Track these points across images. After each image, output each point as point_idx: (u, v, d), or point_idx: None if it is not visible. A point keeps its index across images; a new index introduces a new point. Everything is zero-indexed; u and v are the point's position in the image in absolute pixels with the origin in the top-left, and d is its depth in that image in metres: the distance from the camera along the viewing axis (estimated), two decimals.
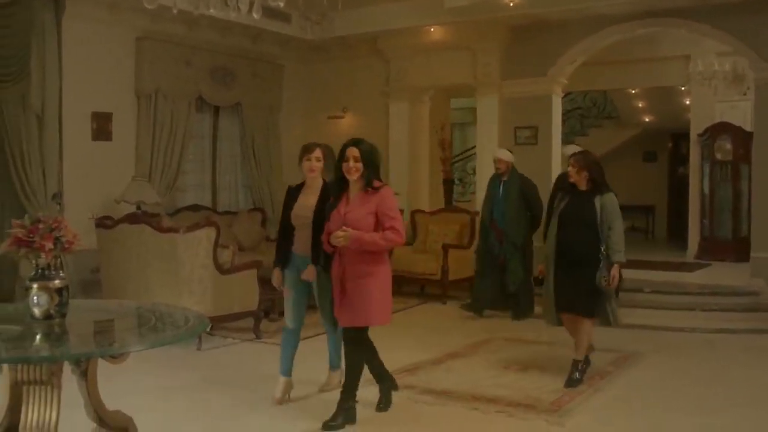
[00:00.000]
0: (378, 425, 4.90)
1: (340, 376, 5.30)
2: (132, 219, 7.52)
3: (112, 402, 3.69)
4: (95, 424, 3.57)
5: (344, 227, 4.60)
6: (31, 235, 3.32)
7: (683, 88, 13.06)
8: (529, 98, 10.36)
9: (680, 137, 15.84)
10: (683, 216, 13.00)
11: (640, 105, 15.58)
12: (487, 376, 6.07)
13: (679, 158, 16.43)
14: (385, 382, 5.18)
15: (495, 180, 8.76)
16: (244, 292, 7.32)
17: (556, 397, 5.49)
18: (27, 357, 3.20)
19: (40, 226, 3.34)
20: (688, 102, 13.12)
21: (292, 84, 11.58)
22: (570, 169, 5.79)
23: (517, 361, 6.48)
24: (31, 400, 3.19)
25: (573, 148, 8.08)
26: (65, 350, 3.26)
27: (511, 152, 8.84)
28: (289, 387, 5.33)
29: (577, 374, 5.80)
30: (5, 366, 3.28)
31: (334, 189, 4.88)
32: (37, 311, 3.35)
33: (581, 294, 5.68)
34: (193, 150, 10.33)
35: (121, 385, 5.19)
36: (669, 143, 17.28)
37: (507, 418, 5.04)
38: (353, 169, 4.68)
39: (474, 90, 10.90)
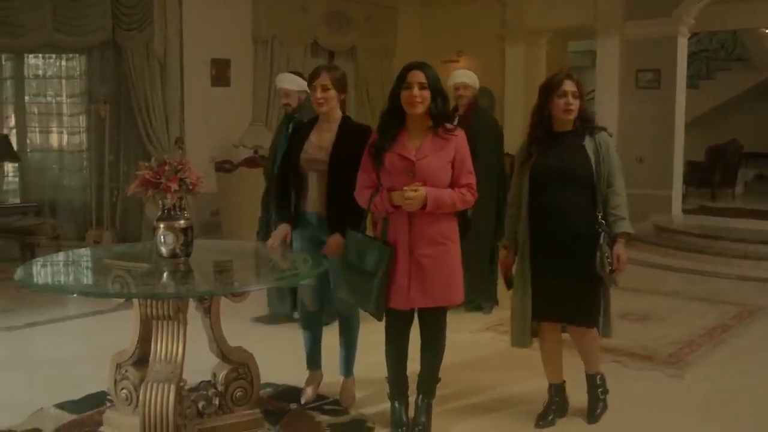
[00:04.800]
0: (485, 372, 4.88)
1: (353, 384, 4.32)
2: (250, 163, 7.71)
3: (233, 338, 3.81)
4: (218, 359, 3.71)
5: (416, 183, 3.51)
6: (157, 177, 3.42)
7: None
8: (653, 40, 9.92)
9: None
10: None
11: None
12: None
13: None
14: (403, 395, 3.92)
15: (284, 122, 5.76)
16: None
17: (674, 349, 5.32)
18: (156, 293, 3.33)
19: (166, 167, 3.44)
20: None
21: (406, 28, 11.48)
22: (572, 100, 3.72)
23: (635, 311, 6.31)
24: (159, 334, 3.34)
25: (465, 75, 6.19)
26: (191, 287, 3.38)
27: (301, 76, 5.89)
28: (318, 379, 4.37)
29: (599, 394, 4.06)
30: (136, 301, 3.44)
31: (386, 125, 3.68)
32: (163, 250, 3.46)
33: (582, 292, 3.78)
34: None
35: (242, 323, 5.39)
36: None
37: (622, 368, 4.92)
38: (418, 100, 3.53)
39: (594, 32, 10.52)
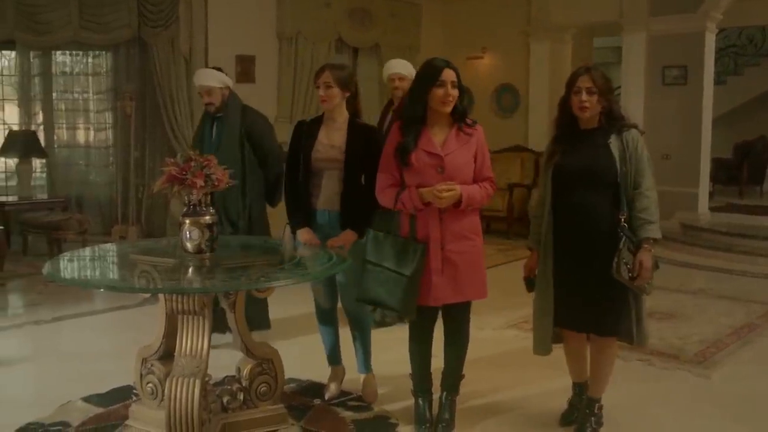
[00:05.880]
0: (508, 369, 4.86)
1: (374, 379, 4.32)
2: None
3: (257, 334, 3.84)
4: (243, 354, 3.72)
5: (448, 182, 3.52)
6: (183, 173, 3.44)
7: None
8: (679, 36, 9.81)
9: None
10: None
11: None
12: None
13: None
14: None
15: (206, 120, 5.29)
16: None
17: (701, 348, 5.28)
18: (182, 288, 3.36)
19: (192, 163, 3.47)
20: None
21: (430, 24, 11.46)
22: (586, 97, 3.52)
23: (661, 309, 6.26)
24: (185, 329, 3.36)
25: (401, 65, 5.65)
26: (216, 283, 3.40)
27: (221, 70, 5.25)
28: (341, 375, 4.38)
29: (592, 423, 3.79)
30: (162, 296, 3.47)
31: (410, 124, 3.61)
32: (189, 245, 3.49)
33: (606, 299, 3.56)
34: None
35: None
36: None
37: (648, 366, 4.90)
38: (450, 99, 3.54)
39: (619, 28, 10.43)
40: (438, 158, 3.55)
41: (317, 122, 4.10)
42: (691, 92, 9.90)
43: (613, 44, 12.60)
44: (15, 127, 8.94)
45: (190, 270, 3.44)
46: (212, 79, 5.04)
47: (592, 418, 3.79)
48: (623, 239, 3.46)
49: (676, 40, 9.84)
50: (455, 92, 3.54)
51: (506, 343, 5.37)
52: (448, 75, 3.52)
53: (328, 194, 4.00)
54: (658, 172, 3.62)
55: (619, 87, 11.22)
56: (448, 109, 3.56)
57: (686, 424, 4.03)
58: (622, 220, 3.50)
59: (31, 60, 8.94)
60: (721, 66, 14.22)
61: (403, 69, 5.55)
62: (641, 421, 4.03)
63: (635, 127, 3.62)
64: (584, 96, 3.51)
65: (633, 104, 10.04)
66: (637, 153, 3.54)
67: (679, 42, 9.83)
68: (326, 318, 4.30)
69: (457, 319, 3.79)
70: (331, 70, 3.98)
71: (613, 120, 3.58)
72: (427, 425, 3.80)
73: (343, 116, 4.05)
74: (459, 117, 3.62)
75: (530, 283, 3.81)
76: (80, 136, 9.32)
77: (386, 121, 5.56)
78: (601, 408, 3.82)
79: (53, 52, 9.03)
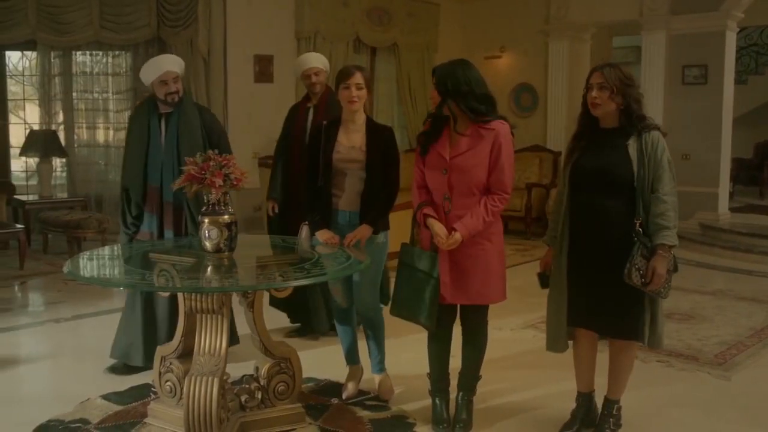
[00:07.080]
0: (525, 369, 4.85)
1: (387, 377, 4.32)
2: None
3: (276, 334, 3.85)
4: (261, 353, 3.74)
5: (453, 228, 3.55)
6: (202, 172, 3.46)
7: None
8: (700, 35, 9.73)
9: None
10: None
11: None
12: None
13: None
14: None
15: (149, 117, 4.55)
16: (400, 231, 7.35)
17: (720, 349, 5.23)
18: (200, 287, 3.38)
19: (211, 163, 3.48)
20: None
21: (448, 23, 11.45)
22: (596, 93, 3.43)
23: (680, 310, 6.22)
24: (203, 327, 3.38)
25: (315, 58, 5.27)
26: (234, 282, 3.41)
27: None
28: (358, 375, 4.36)
29: (611, 424, 3.77)
30: (180, 295, 3.49)
31: (435, 120, 3.70)
32: (208, 245, 3.51)
33: (620, 302, 3.49)
34: None
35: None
36: None
37: (667, 368, 4.86)
38: (433, 101, 3.75)
39: (639, 27, 10.36)
40: (444, 161, 3.61)
41: (335, 124, 4.11)
42: (711, 92, 9.82)
43: (632, 43, 12.53)
44: (36, 127, 9.02)
45: (209, 269, 3.45)
46: (177, 65, 4.56)
47: (611, 419, 3.76)
48: (637, 244, 3.37)
49: (696, 39, 9.76)
50: (434, 94, 3.67)
51: (524, 344, 5.35)
52: (433, 80, 3.64)
53: (350, 195, 4.04)
54: (677, 172, 3.56)
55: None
56: (438, 110, 3.64)
57: (706, 427, 4.00)
58: (637, 224, 3.41)
59: (52, 60, 9.01)
60: (742, 65, 14.10)
61: (319, 62, 5.28)
62: (660, 422, 4.01)
63: (657, 128, 3.48)
64: (595, 92, 3.42)
65: (652, 104, 9.97)
66: (656, 155, 3.40)
67: (700, 41, 9.75)
68: (344, 317, 4.30)
69: (474, 321, 3.80)
70: (361, 72, 4.02)
71: (631, 119, 3.43)
72: (445, 425, 3.81)
73: (362, 117, 4.09)
74: (473, 118, 3.56)
75: (543, 279, 3.77)
76: (100, 135, 9.39)
77: (307, 120, 5.20)
78: (619, 409, 3.80)
79: (74, 52, 9.11)
